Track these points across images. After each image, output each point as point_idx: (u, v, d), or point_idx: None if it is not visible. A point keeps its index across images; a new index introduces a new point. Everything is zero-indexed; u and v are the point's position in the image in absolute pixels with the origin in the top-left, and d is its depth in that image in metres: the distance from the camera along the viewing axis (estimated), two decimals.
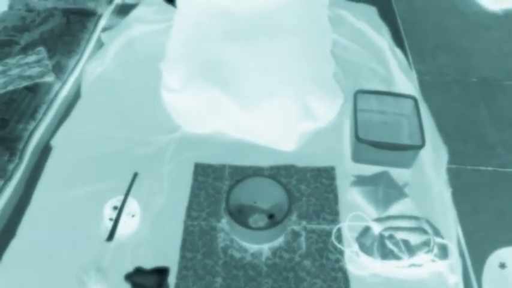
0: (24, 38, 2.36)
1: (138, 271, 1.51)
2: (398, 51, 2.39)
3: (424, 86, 2.22)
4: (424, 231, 1.60)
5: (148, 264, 1.54)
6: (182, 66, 1.99)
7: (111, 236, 1.58)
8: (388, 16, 2.67)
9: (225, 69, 1.92)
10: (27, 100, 2.01)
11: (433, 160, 1.82)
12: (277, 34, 2.05)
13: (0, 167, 1.78)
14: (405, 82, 2.19)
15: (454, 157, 1.91)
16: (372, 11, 2.61)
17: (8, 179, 1.79)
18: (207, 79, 1.92)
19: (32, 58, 2.21)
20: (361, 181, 1.78)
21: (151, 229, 1.63)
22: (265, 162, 1.85)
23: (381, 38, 2.41)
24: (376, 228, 1.62)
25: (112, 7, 2.67)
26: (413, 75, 2.29)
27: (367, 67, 2.26)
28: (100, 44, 2.44)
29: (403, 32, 2.63)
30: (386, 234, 1.60)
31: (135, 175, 1.76)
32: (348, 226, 1.63)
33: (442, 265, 1.53)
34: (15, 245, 1.58)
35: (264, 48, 1.98)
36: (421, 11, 2.81)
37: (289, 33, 2.06)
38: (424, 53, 2.49)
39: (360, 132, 1.82)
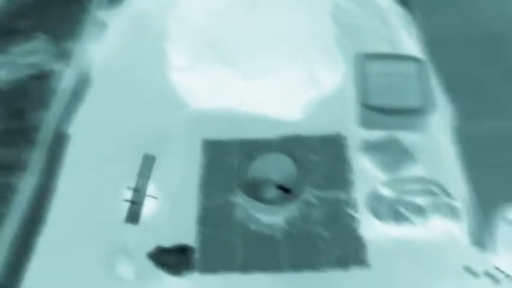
0: (25, 24, 2.35)
1: (161, 250, 1.59)
2: (400, 8, 2.35)
3: (428, 43, 2.17)
4: (434, 193, 1.66)
5: (171, 243, 1.61)
6: (187, 44, 2.01)
7: (135, 219, 1.65)
8: None
9: (229, 43, 1.96)
10: (37, 88, 2.03)
11: (439, 120, 1.84)
12: (276, 3, 2.07)
13: (22, 159, 1.84)
14: (409, 42, 2.17)
15: (460, 114, 1.90)
16: None
17: (30, 170, 1.84)
18: (212, 55, 1.95)
19: (35, 45, 2.23)
20: (369, 146, 1.82)
21: (170, 209, 1.69)
22: (273, 133, 1.88)
23: None
24: (387, 193, 1.68)
25: None
26: (417, 33, 2.24)
27: (369, 29, 2.23)
28: (101, 24, 2.40)
29: None
30: (397, 197, 1.65)
31: (153, 158, 1.81)
32: (358, 192, 1.69)
33: (453, 225, 1.58)
34: (46, 233, 1.67)
35: (265, 19, 2.01)
36: None
37: (290, 3, 2.07)
38: (427, 7, 2.40)
39: (366, 97, 1.84)
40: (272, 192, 1.72)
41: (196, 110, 1.96)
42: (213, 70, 1.96)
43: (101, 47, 2.25)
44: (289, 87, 1.91)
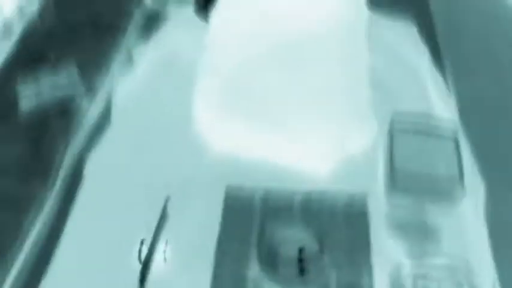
0: (54, 53, 2.35)
1: None
2: (437, 70, 2.31)
3: (463, 108, 2.11)
4: (459, 273, 1.56)
5: None
6: (216, 89, 2.00)
7: (142, 282, 1.56)
8: (426, 31, 2.52)
9: (259, 94, 1.95)
10: (59, 123, 2.01)
11: (470, 200, 1.75)
12: (312, 60, 2.04)
13: (34, 197, 1.79)
14: (443, 106, 2.12)
15: (492, 189, 1.80)
16: (409, 25, 2.51)
17: (42, 208, 1.78)
18: (241, 103, 1.94)
19: (63, 77, 2.22)
20: (395, 216, 1.73)
21: (183, 273, 1.59)
22: (297, 186, 1.80)
23: (418, 57, 2.33)
24: (410, 268, 1.59)
25: (139, 20, 2.58)
26: (452, 97, 2.18)
27: (404, 89, 2.17)
28: (130, 60, 2.41)
29: (442, 50, 2.48)
30: (419, 274, 1.56)
31: (163, 217, 1.72)
32: (379, 275, 1.57)
33: None
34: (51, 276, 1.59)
35: (298, 74, 1.98)
36: (463, 26, 2.64)
37: (325, 59, 2.04)
38: (464, 72, 2.34)
39: (396, 160, 1.78)
40: (290, 269, 1.62)
41: (220, 156, 1.91)
42: (241, 118, 1.93)
43: (126, 84, 2.24)
44: (317, 145, 1.86)
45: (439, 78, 2.25)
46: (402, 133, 1.85)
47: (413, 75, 2.24)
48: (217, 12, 2.24)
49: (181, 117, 2.03)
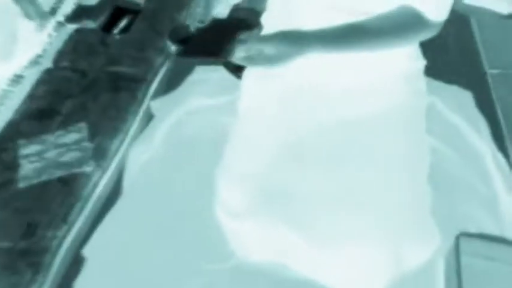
0: (66, 106, 2.07)
1: None
2: (501, 158, 1.97)
3: None
4: None
5: None
6: (245, 182, 1.58)
7: None
8: (484, 104, 2.17)
9: (296, 195, 1.51)
10: (61, 197, 1.72)
11: None
12: (362, 158, 1.56)
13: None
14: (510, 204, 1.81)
15: None
16: (467, 97, 2.15)
17: None
18: (272, 206, 1.52)
19: (72, 137, 1.94)
20: None
21: None
22: None
23: (480, 140, 1.96)
24: None
25: (162, 73, 2.29)
26: None
27: (464, 183, 1.82)
28: (148, 118, 2.14)
29: (504, 128, 2.18)
30: None
31: None
32: None
33: None
34: None
35: (345, 172, 1.53)
36: None
37: (379, 157, 1.56)
38: None
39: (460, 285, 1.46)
40: None
41: (244, 262, 1.57)
42: (271, 223, 1.51)
43: (141, 150, 1.94)
44: (365, 262, 1.46)
45: (505, 168, 1.93)
46: (470, 256, 1.48)
47: (474, 161, 1.91)
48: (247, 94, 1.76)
49: (198, 209, 1.67)
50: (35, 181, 1.75)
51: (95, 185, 1.83)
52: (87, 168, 1.83)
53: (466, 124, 2.06)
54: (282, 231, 1.50)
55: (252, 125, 1.73)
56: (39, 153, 1.89)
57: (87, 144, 1.91)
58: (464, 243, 1.52)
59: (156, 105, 2.16)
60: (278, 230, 1.50)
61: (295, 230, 1.49)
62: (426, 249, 1.55)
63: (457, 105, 2.14)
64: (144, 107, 2.20)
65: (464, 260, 1.48)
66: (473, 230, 1.70)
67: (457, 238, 1.53)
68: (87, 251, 1.66)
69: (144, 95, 2.22)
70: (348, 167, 1.52)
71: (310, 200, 1.51)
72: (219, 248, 1.61)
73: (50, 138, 1.95)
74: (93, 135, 1.96)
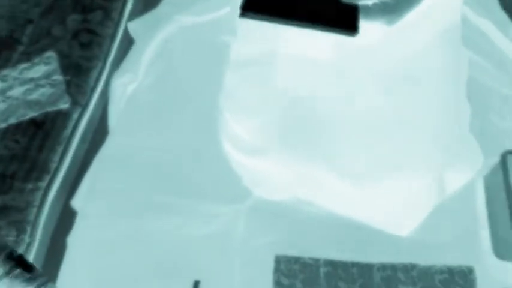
0: (28, 34, 1.72)
1: None
2: None
3: None
4: None
5: None
6: (256, 114, 1.35)
7: None
8: (509, 4, 1.94)
9: (323, 126, 1.31)
10: (37, 142, 1.43)
11: None
12: (401, 84, 1.36)
13: (5, 253, 1.30)
14: None
15: None
16: (492, 1, 1.91)
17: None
18: (293, 140, 1.31)
19: (39, 69, 1.61)
20: None
21: None
22: (372, 252, 1.29)
23: (511, 45, 1.81)
24: None
25: None
26: None
27: (498, 94, 1.61)
28: (128, 42, 1.80)
29: None
30: None
31: (196, 284, 1.22)
32: None
33: None
34: None
35: (380, 103, 1.33)
36: None
37: (418, 83, 1.37)
38: None
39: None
40: None
41: (263, 201, 1.34)
42: (292, 158, 1.32)
43: (125, 80, 1.62)
44: (407, 195, 1.30)
45: None
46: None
47: (507, 70, 1.69)
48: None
49: (205, 137, 1.43)
50: (1, 125, 1.48)
51: (76, 125, 1.53)
52: (63, 106, 1.53)
53: (495, 29, 1.86)
54: (307, 167, 1.30)
55: (256, 44, 1.48)
56: (1, 92, 1.59)
57: (58, 78, 1.59)
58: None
59: (135, 27, 1.82)
60: (301, 165, 1.30)
61: (322, 164, 1.29)
62: (469, 170, 1.38)
63: (484, 9, 1.92)
64: (121, 29, 1.90)
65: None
66: (510, 145, 1.57)
67: (504, 156, 1.36)
68: (76, 202, 1.43)
69: (120, 14, 1.91)
70: (381, 95, 1.29)
71: (337, 130, 1.29)
72: (232, 188, 1.37)
73: (13, 73, 1.64)
74: (65, 66, 1.65)
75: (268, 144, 1.31)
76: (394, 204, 1.29)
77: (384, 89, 1.29)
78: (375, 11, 1.47)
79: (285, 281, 1.27)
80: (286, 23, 1.52)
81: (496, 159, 1.40)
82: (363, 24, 1.41)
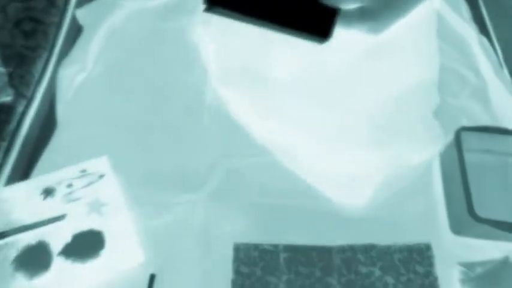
0: None
1: None
2: (485, 41, 1.79)
3: None
4: None
5: None
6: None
7: None
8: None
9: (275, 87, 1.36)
10: None
11: None
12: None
13: None
14: (504, 94, 1.66)
15: None
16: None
17: None
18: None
19: None
20: (470, 276, 1.27)
21: None
22: (332, 235, 1.29)
23: (465, 25, 1.75)
24: None
25: None
26: (508, 80, 1.74)
27: (453, 72, 1.63)
28: (76, 30, 1.72)
29: (483, 9, 1.99)
30: None
31: (152, 278, 1.18)
32: None
33: None
34: None
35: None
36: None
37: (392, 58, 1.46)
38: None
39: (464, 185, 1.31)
40: None
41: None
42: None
43: (73, 70, 1.54)
44: (355, 165, 1.32)
45: (492, 54, 1.75)
46: (471, 151, 1.31)
47: (461, 49, 1.70)
48: None
49: (158, 123, 1.40)
50: None
51: (21, 119, 1.45)
52: (6, 98, 1.46)
53: (449, 9, 1.87)
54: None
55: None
56: None
57: (0, 69, 1.55)
58: (465, 137, 1.38)
59: (84, 14, 1.73)
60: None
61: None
62: (428, 148, 1.40)
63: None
64: (68, 17, 1.81)
65: (468, 154, 1.35)
66: (466, 122, 1.58)
67: (458, 132, 1.37)
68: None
69: (66, 1, 1.80)
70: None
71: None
72: (190, 176, 1.33)
73: None
74: (6, 57, 1.56)
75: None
76: (345, 175, 1.31)
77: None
78: (356, 18, 1.45)
79: (245, 270, 1.25)
80: (252, 22, 1.48)
81: (451, 137, 1.44)
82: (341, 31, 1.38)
